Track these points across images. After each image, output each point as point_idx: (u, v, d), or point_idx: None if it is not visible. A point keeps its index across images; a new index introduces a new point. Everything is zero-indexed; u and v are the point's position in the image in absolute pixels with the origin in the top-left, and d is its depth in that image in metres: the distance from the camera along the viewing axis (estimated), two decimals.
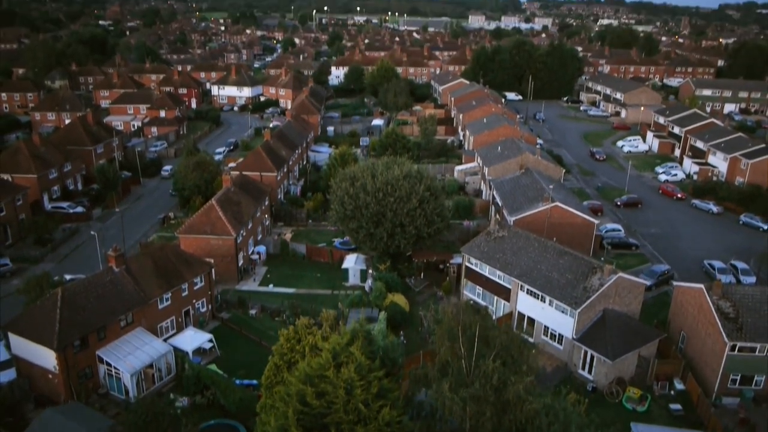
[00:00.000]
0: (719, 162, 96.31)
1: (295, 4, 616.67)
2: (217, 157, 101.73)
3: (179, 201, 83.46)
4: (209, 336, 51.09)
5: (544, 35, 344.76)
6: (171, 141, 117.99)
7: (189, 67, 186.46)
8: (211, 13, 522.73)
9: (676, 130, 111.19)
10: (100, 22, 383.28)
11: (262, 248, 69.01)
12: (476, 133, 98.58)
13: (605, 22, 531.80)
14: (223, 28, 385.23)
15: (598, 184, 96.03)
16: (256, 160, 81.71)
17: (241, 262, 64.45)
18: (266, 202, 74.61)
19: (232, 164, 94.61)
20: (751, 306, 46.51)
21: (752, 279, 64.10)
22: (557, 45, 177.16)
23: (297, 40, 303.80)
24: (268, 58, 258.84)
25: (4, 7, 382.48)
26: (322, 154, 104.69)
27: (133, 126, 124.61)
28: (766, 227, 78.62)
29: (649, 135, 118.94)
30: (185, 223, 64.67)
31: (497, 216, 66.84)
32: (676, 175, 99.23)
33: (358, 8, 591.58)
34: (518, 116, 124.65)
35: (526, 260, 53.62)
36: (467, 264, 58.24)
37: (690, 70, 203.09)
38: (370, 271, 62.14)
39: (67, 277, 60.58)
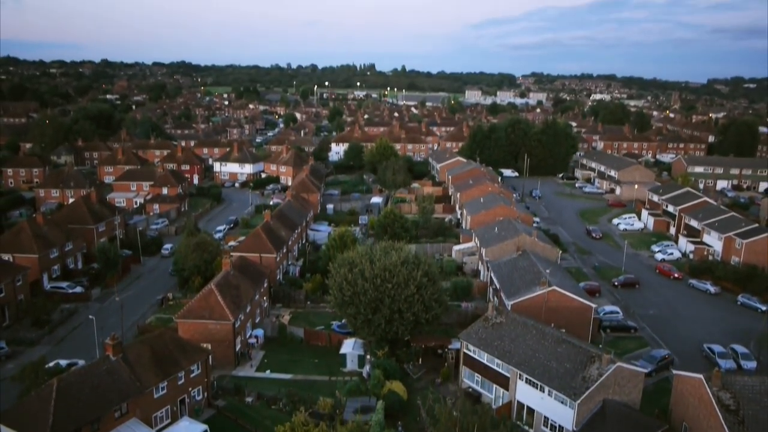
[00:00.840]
0: (714, 241, 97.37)
1: (297, 79, 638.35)
2: (217, 235, 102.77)
3: (178, 281, 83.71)
4: (204, 427, 50.18)
5: (538, 110, 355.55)
6: (172, 218, 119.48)
7: (192, 143, 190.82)
8: (216, 87, 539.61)
9: (671, 208, 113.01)
10: (108, 96, 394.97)
11: (260, 332, 68.78)
12: (473, 213, 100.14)
13: (598, 96, 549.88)
14: (226, 102, 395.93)
15: (595, 263, 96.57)
16: (255, 242, 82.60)
17: (238, 347, 64.15)
18: (265, 284, 74.92)
19: (232, 242, 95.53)
20: (751, 397, 46.08)
21: (753, 364, 63.73)
22: (551, 123, 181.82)
23: (298, 115, 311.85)
24: (270, 133, 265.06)
25: (15, 82, 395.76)
26: (322, 232, 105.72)
27: (136, 203, 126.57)
28: (764, 308, 78.61)
29: (644, 213, 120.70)
30: (184, 307, 64.72)
31: (495, 300, 67.09)
32: (672, 254, 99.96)
33: (358, 83, 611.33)
34: (514, 194, 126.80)
35: (525, 348, 53.53)
36: (465, 351, 58.02)
37: (682, 146, 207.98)
38: (368, 356, 61.77)
39: (63, 362, 60.22)
